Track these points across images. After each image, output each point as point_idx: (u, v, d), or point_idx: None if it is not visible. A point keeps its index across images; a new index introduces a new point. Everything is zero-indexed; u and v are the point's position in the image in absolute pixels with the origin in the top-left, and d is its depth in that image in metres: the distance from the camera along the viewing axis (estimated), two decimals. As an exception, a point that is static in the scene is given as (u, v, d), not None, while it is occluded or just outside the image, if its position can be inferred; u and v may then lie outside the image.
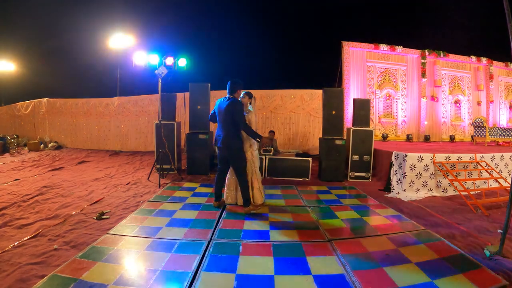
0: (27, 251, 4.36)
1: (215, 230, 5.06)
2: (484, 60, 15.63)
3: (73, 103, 16.44)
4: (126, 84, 18.30)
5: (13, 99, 18.69)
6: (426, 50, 14.72)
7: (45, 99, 16.99)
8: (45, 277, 3.53)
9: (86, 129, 16.22)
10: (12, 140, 15.14)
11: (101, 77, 19.93)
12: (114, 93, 17.33)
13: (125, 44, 18.03)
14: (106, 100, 15.92)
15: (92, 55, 19.85)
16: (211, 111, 6.51)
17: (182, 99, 12.49)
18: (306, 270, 3.76)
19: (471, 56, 15.53)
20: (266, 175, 9.53)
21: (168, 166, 9.59)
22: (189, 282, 3.47)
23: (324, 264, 3.93)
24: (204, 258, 4.04)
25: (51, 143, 16.05)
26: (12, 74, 21.06)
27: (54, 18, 20.05)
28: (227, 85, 6.24)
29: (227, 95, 6.21)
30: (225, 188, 6.57)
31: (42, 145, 15.78)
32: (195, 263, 3.89)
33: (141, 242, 4.56)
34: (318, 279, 3.56)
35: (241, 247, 4.40)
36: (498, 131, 12.49)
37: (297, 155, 10.13)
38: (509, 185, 5.64)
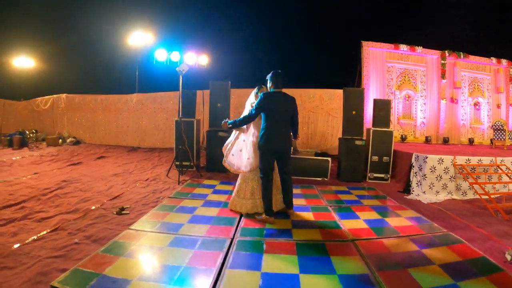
0: (47, 245, 4.42)
1: (238, 228, 5.10)
2: (504, 62, 15.41)
3: (92, 99, 16.68)
4: (145, 81, 18.44)
5: (32, 94, 18.96)
6: (446, 51, 14.58)
7: (64, 95, 17.23)
8: (67, 271, 3.56)
9: (104, 125, 16.45)
10: (31, 135, 15.32)
11: (120, 73, 20.10)
12: (133, 89, 17.47)
13: (144, 42, 18.18)
14: (125, 96, 16.14)
15: (111, 52, 20.05)
16: (256, 109, 5.53)
17: (200, 96, 12.56)
18: (331, 270, 3.77)
19: (491, 57, 15.31)
20: (284, 174, 9.58)
21: (188, 163, 9.71)
22: (214, 280, 3.49)
23: (348, 264, 3.94)
24: (228, 256, 4.06)
25: (70, 138, 16.25)
26: (32, 70, 21.28)
27: (73, 15, 20.29)
28: (279, 78, 5.61)
29: (279, 90, 5.62)
30: (249, 196, 5.92)
31: (60, 140, 15.99)
32: (219, 260, 3.91)
33: (163, 238, 4.61)
34: (343, 278, 3.57)
35: (264, 245, 4.42)
36: (518, 134, 12.37)
37: (316, 154, 10.15)
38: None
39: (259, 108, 5.50)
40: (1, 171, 9.37)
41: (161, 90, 15.63)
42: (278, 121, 5.56)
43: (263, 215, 5.55)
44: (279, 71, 5.68)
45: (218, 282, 3.44)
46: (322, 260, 4.04)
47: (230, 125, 5.79)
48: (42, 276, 3.56)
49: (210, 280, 3.46)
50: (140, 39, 18.09)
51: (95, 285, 3.28)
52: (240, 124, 5.74)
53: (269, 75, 5.69)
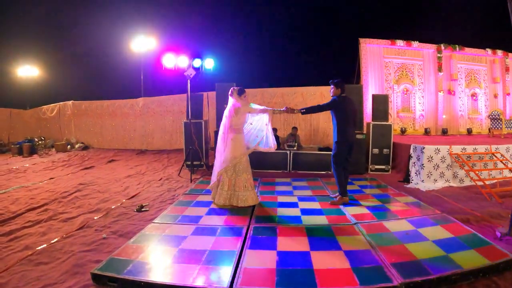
0: (77, 241, 4.74)
1: (252, 217, 5.56)
2: (499, 52, 15.70)
3: (99, 104, 16.98)
4: (150, 85, 18.80)
5: (38, 102, 19.15)
6: (441, 45, 14.89)
7: (70, 102, 17.50)
8: (104, 260, 3.87)
9: (111, 130, 16.76)
10: (40, 142, 15.66)
11: (125, 79, 20.40)
12: (139, 94, 17.84)
13: (147, 46, 18.55)
14: (131, 101, 16.46)
15: (116, 58, 20.37)
16: (328, 105, 6.56)
17: (206, 98, 12.90)
18: (337, 247, 4.25)
19: (487, 49, 15.61)
20: (290, 169, 10.05)
21: (198, 162, 10.09)
22: (237, 258, 3.92)
23: (352, 242, 4.42)
24: (247, 240, 4.51)
25: (78, 144, 16.55)
26: (37, 79, 21.54)
27: (76, 22, 20.61)
28: (344, 85, 6.59)
29: (345, 94, 6.59)
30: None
31: (69, 146, 16.30)
32: (239, 243, 4.36)
33: (186, 228, 5.02)
34: (348, 253, 4.03)
35: (278, 230, 4.89)
36: (515, 123, 12.68)
37: (319, 149, 10.60)
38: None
39: (329, 106, 6.53)
40: (17, 178, 9.74)
41: (166, 93, 15.99)
42: (350, 121, 6.53)
43: (339, 196, 6.49)
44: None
45: (241, 260, 3.88)
46: (329, 240, 4.52)
47: (304, 110, 6.54)
48: (79, 268, 3.92)
49: (233, 259, 3.90)
50: (143, 44, 18.45)
51: (132, 270, 3.65)
52: (311, 111, 6.76)
53: (337, 82, 6.56)
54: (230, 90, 6.48)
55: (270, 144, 6.55)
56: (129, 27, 19.06)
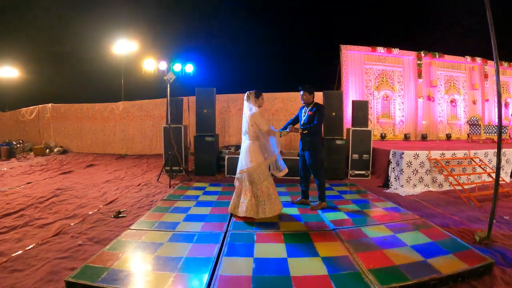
0: (52, 248, 4.64)
1: (230, 223, 5.49)
2: (478, 60, 15.97)
3: (78, 108, 16.71)
4: (131, 89, 18.67)
5: (16, 104, 18.81)
6: (421, 52, 15.05)
7: (49, 105, 17.22)
8: (78, 268, 3.78)
9: (91, 134, 16.51)
10: (18, 145, 15.39)
11: (106, 82, 20.25)
12: (119, 98, 17.66)
13: (129, 50, 18.43)
14: (111, 105, 16.22)
15: (96, 61, 20.20)
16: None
17: (186, 103, 12.81)
18: (315, 253, 4.21)
19: (466, 56, 15.86)
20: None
21: (177, 168, 9.95)
22: (213, 265, 3.86)
23: (330, 248, 4.38)
24: (224, 246, 4.44)
25: (57, 148, 16.27)
26: (16, 80, 21.29)
27: (57, 24, 20.36)
28: None
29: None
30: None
31: (47, 150, 16.01)
32: (216, 250, 4.29)
33: (163, 235, 4.94)
34: (326, 260, 4.00)
35: (255, 236, 4.83)
36: (493, 128, 12.77)
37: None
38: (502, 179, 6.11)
39: (324, 116, 6.63)
40: (-6, 182, 9.49)
41: (146, 98, 15.80)
42: None
43: (319, 202, 6.52)
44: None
45: (217, 267, 3.83)
46: (307, 246, 4.48)
47: (306, 131, 6.51)
48: (53, 275, 3.83)
49: (209, 266, 3.84)
50: (124, 47, 18.34)
51: (107, 278, 3.58)
52: (314, 129, 6.46)
53: (310, 87, 6.64)
54: (246, 95, 6.10)
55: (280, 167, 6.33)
56: (110, 30, 18.96)
